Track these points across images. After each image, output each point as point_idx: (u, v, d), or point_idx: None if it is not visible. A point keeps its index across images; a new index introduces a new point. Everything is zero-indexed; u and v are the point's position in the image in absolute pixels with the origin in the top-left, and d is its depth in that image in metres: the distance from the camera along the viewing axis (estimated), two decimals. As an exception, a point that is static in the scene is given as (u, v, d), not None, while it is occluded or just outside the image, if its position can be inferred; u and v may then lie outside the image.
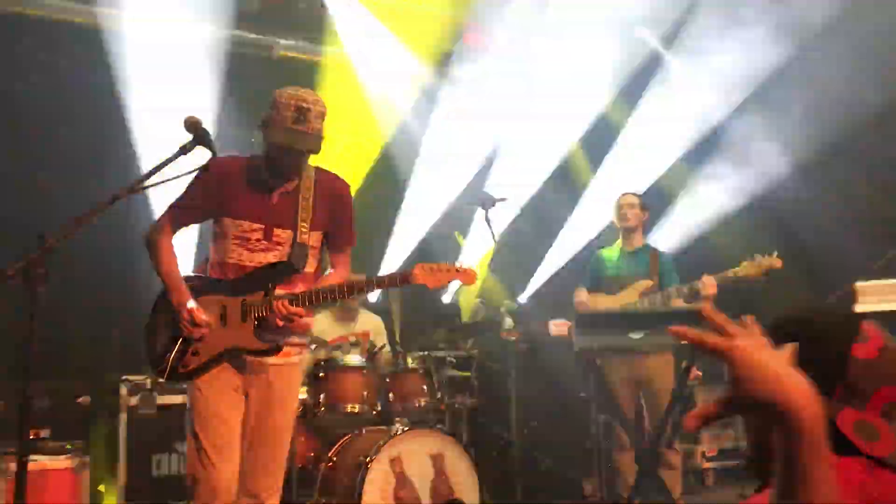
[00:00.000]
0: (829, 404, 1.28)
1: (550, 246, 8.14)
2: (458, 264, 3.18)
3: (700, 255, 6.75)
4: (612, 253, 5.56)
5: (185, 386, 3.37)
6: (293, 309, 3.06)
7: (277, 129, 3.03)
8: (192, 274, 3.30)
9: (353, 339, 5.36)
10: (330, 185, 3.31)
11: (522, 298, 8.02)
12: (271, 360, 3.18)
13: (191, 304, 3.09)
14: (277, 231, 3.18)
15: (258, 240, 3.16)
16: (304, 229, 3.16)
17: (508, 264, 7.45)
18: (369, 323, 5.80)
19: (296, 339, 3.29)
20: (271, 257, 3.17)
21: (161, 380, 3.37)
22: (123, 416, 4.96)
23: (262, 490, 3.17)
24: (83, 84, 5.83)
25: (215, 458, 3.04)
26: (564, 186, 8.08)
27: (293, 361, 3.32)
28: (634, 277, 5.32)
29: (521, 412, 5.64)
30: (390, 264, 7.46)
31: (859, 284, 4.13)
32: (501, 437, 5.56)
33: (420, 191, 7.73)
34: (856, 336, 1.33)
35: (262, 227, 3.16)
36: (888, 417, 1.31)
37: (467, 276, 3.17)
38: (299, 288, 3.16)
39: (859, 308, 3.98)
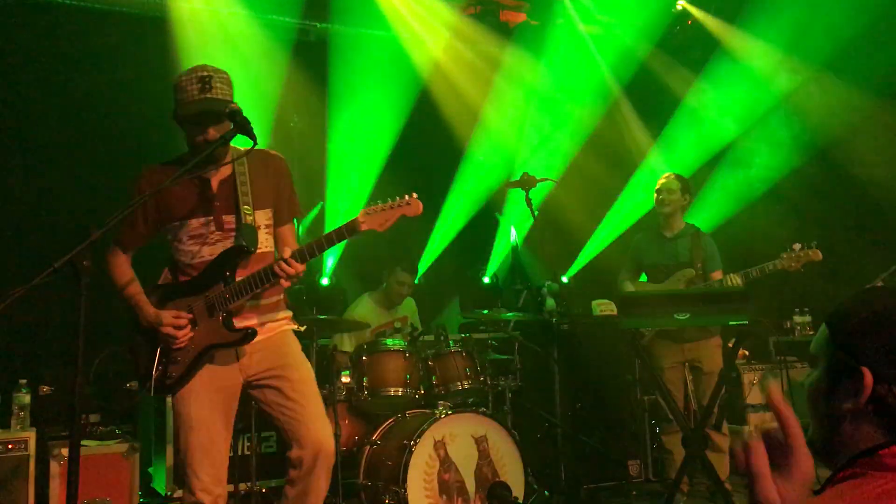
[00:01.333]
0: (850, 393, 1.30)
1: (597, 225, 8.10)
2: (403, 198, 3.10)
3: (737, 238, 6.70)
4: (652, 238, 5.47)
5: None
6: (298, 266, 3.02)
7: (187, 105, 2.99)
8: (156, 284, 3.26)
9: (397, 324, 5.39)
10: (263, 161, 3.26)
11: (566, 278, 8.00)
12: (259, 337, 3.16)
13: (164, 315, 3.09)
14: (227, 218, 3.13)
15: (213, 232, 3.12)
16: (247, 211, 3.11)
17: (552, 244, 7.41)
18: (408, 307, 5.85)
19: (279, 315, 3.26)
20: (230, 245, 3.13)
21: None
22: (170, 400, 5.02)
23: (319, 438, 3.16)
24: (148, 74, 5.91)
25: (199, 465, 3.03)
26: (616, 164, 8.01)
27: (284, 328, 3.29)
28: (677, 265, 5.26)
29: (565, 394, 5.61)
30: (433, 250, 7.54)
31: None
32: (545, 419, 5.53)
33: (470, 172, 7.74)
34: None
35: (211, 218, 3.12)
36: None
37: (412, 208, 3.09)
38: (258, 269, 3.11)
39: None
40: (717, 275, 5.16)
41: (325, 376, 4.89)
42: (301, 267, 3.02)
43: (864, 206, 6.61)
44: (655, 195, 5.40)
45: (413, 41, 7.38)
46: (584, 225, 8.15)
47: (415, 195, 3.10)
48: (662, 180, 5.41)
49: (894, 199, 6.21)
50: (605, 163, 7.91)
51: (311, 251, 3.04)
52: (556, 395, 5.64)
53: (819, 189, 6.82)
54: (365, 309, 5.73)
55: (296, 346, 3.33)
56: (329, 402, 4.70)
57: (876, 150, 6.41)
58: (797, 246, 4.92)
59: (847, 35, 6.34)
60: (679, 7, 7.94)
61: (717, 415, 4.90)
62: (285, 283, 3.06)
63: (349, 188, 7.14)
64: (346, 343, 5.52)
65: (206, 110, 2.98)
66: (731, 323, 4.33)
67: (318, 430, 3.17)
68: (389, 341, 4.97)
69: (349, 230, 3.06)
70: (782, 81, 7.32)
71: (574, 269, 8.18)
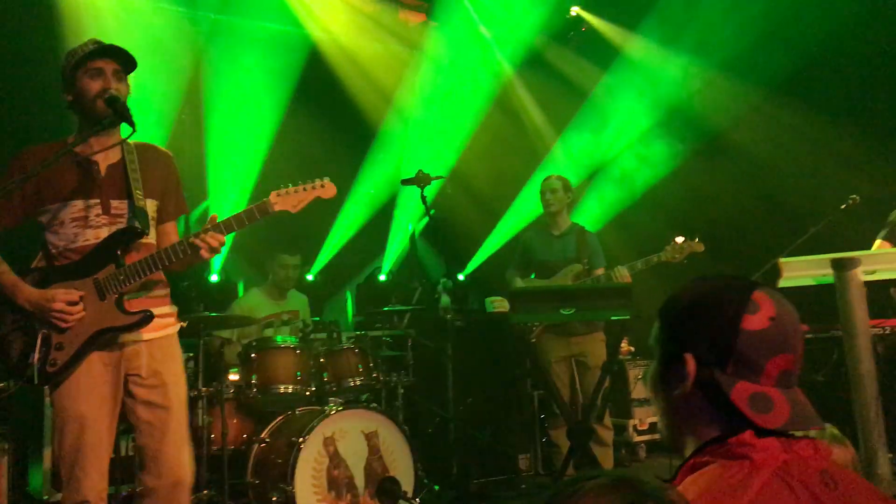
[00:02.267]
0: (724, 379, 1.31)
1: (497, 221, 8.23)
2: (316, 181, 3.12)
3: (623, 233, 6.93)
4: (540, 236, 5.64)
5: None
6: (219, 236, 2.95)
7: (82, 55, 2.93)
8: (30, 268, 3.04)
9: (285, 316, 5.33)
10: (153, 154, 3.19)
11: (462, 276, 8.10)
12: (146, 335, 3.02)
13: (55, 292, 2.89)
14: (115, 203, 3.02)
15: (98, 215, 2.99)
16: (139, 196, 3.03)
17: (451, 240, 7.49)
18: (298, 301, 5.78)
19: (166, 310, 3.15)
20: (115, 230, 3.01)
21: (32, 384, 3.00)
22: (48, 400, 4.83)
23: (176, 468, 3.00)
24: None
25: (81, 463, 2.87)
26: (518, 162, 8.13)
27: (169, 333, 3.16)
28: (565, 262, 5.42)
29: (458, 389, 5.67)
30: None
31: (783, 260, 4.23)
32: (437, 414, 5.59)
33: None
34: (745, 308, 1.32)
35: (98, 201, 3.00)
36: (783, 385, 1.31)
37: (326, 191, 3.12)
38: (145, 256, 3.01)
39: (782, 283, 4.10)
40: (600, 271, 5.36)
41: (213, 374, 4.80)
42: (222, 238, 2.96)
43: (752, 199, 6.89)
44: (541, 196, 5.56)
45: (310, 37, 7.32)
46: (484, 221, 8.27)
47: (327, 179, 3.11)
48: (546, 181, 5.58)
49: (781, 190, 6.52)
50: (506, 161, 8.03)
51: (228, 226, 2.99)
52: (449, 391, 5.70)
53: (707, 183, 7.09)
54: (252, 301, 5.64)
55: (179, 358, 3.19)
56: (217, 400, 4.62)
57: (763, 141, 6.70)
58: (680, 239, 5.16)
59: (735, 34, 6.63)
60: (573, 13, 8.16)
61: (600, 407, 5.06)
62: (206, 255, 2.97)
63: (232, 187, 6.99)
64: (236, 337, 5.43)
65: (106, 48, 2.93)
66: (613, 318, 4.48)
67: (179, 460, 3.01)
68: (280, 338, 4.92)
69: (261, 211, 3.02)
70: (675, 81, 7.58)
71: (473, 265, 8.29)
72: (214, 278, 6.79)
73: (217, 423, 4.60)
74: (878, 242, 5.20)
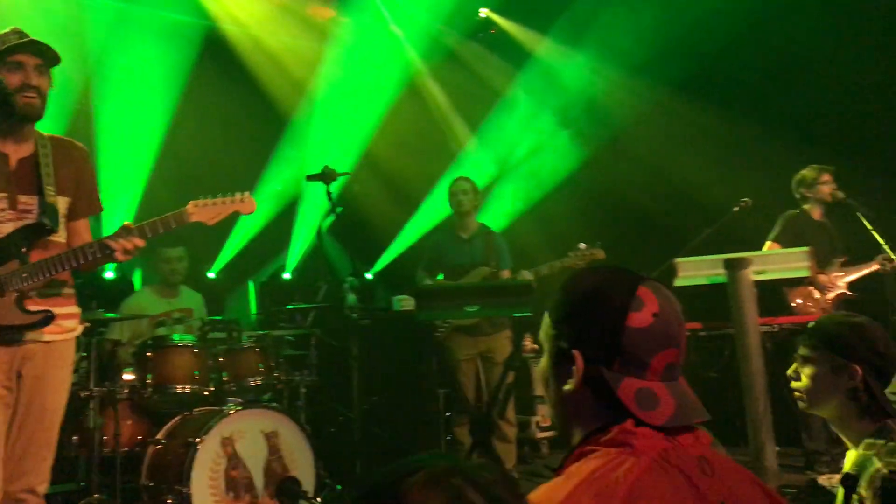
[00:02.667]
0: (610, 376, 1.33)
1: (405, 222, 8.21)
2: (235, 195, 3.10)
3: (530, 230, 7.04)
4: (449, 239, 5.65)
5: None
6: (135, 240, 2.89)
7: (5, 49, 2.84)
8: None
9: (177, 314, 5.18)
10: (68, 149, 3.11)
11: (370, 274, 8.06)
12: (48, 335, 2.93)
13: None
14: (23, 198, 2.93)
15: (2, 210, 2.89)
16: (50, 192, 2.94)
17: (361, 238, 7.44)
18: (191, 299, 5.61)
19: (70, 311, 3.06)
20: (22, 226, 2.91)
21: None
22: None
23: (32, 475, 2.89)
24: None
25: None
26: (431, 159, 8.13)
27: (69, 337, 3.07)
28: (472, 264, 5.45)
29: (363, 388, 5.64)
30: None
31: (678, 260, 4.36)
32: (341, 413, 5.53)
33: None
34: (630, 306, 1.34)
35: (5, 195, 2.90)
36: (668, 378, 1.34)
37: (246, 206, 3.11)
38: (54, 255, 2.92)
39: (678, 282, 4.23)
40: (506, 273, 5.43)
41: (106, 373, 4.62)
42: (140, 242, 2.91)
43: (653, 197, 7.07)
44: (450, 198, 5.57)
45: (216, 29, 7.16)
46: (394, 219, 8.25)
47: (248, 193, 3.10)
48: (455, 183, 5.60)
49: (681, 189, 6.71)
50: (418, 159, 8.03)
51: (142, 231, 2.93)
52: (354, 390, 5.65)
53: (611, 181, 7.24)
54: (142, 300, 5.45)
55: (70, 364, 3.09)
56: (109, 401, 4.45)
57: (664, 141, 6.87)
58: (583, 246, 5.28)
59: (638, 36, 6.82)
60: (482, 15, 8.23)
61: (501, 403, 5.11)
62: (120, 258, 2.92)
63: (123, 184, 6.74)
64: (127, 336, 5.24)
65: (29, 44, 2.85)
66: (515, 315, 4.54)
67: (38, 469, 2.91)
68: (177, 336, 4.78)
69: (177, 219, 2.98)
70: (582, 81, 7.73)
71: (382, 263, 8.26)
72: (109, 275, 6.55)
73: (110, 425, 4.44)
74: (768, 244, 5.43)
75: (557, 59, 7.76)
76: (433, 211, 8.05)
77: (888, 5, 6.00)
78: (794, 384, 2.32)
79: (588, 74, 7.51)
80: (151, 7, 6.73)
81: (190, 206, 3.01)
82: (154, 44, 6.71)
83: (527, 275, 5.25)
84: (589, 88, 7.59)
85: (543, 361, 1.47)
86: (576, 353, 1.36)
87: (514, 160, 8.23)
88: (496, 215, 7.60)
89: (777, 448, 3.87)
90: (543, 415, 6.37)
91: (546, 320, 1.45)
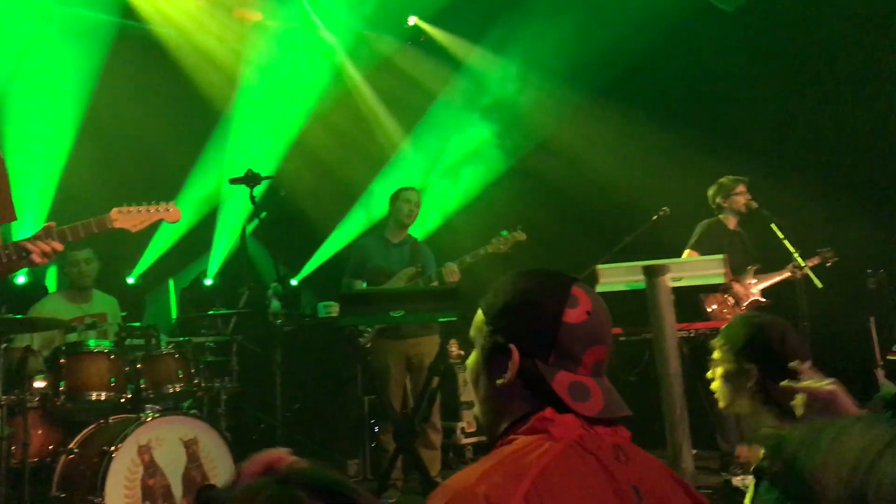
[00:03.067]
0: (545, 369, 1.37)
1: (334, 227, 8.15)
2: (161, 204, 3.06)
3: (447, 242, 7.09)
4: (378, 244, 5.63)
5: None
6: (55, 243, 2.81)
7: None
8: None
9: (89, 319, 5.01)
10: None
11: (296, 280, 7.97)
12: None
13: None
14: None
15: None
16: None
17: (289, 243, 7.36)
18: (105, 303, 5.44)
19: None
20: None
21: None
22: None
23: None
24: None
25: None
26: (363, 162, 8.08)
27: None
28: (400, 269, 5.46)
29: (286, 395, 5.58)
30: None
31: (600, 267, 4.45)
32: (262, 420, 5.45)
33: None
34: (566, 303, 1.38)
35: None
36: (596, 374, 1.39)
37: (171, 215, 3.07)
38: None
39: (600, 288, 4.31)
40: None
41: (15, 381, 4.44)
42: (59, 246, 2.83)
43: (579, 198, 7.18)
44: (400, 206, 5.54)
45: (139, 28, 7.00)
46: (322, 225, 8.18)
47: (172, 202, 3.10)
48: (406, 193, 5.59)
49: (604, 195, 6.84)
50: (348, 164, 7.98)
51: (62, 235, 2.85)
52: (277, 397, 5.59)
53: (535, 188, 7.33)
54: (51, 305, 5.25)
55: None
56: (19, 409, 4.28)
57: (588, 148, 6.99)
58: (504, 231, 5.36)
59: (561, 44, 6.94)
60: (411, 23, 8.26)
61: (425, 408, 5.11)
62: (38, 260, 2.83)
63: (32, 187, 6.50)
64: (38, 344, 5.04)
65: None
66: (441, 319, 4.54)
67: None
68: (92, 342, 4.62)
69: (99, 225, 2.95)
70: (508, 87, 7.81)
71: (309, 269, 8.17)
72: (21, 280, 6.31)
73: (19, 434, 4.26)
74: (686, 252, 5.59)
75: (485, 66, 7.83)
76: (363, 216, 8.02)
77: (801, 19, 6.24)
78: (712, 385, 2.40)
79: (515, 80, 7.59)
80: (65, 4, 6.53)
81: (113, 213, 2.94)
82: (67, 41, 6.50)
83: (451, 266, 5.27)
84: (516, 94, 7.67)
85: (474, 356, 1.50)
86: (512, 346, 1.39)
87: (444, 163, 8.25)
88: (427, 217, 7.62)
89: (694, 450, 3.97)
90: (469, 421, 6.40)
91: (479, 316, 1.49)
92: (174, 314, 6.98)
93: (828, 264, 5.58)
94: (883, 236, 5.97)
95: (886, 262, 5.71)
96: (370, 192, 8.05)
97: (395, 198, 5.63)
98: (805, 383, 1.94)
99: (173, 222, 3.08)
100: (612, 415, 1.35)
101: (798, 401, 1.94)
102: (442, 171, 8.25)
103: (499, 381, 1.40)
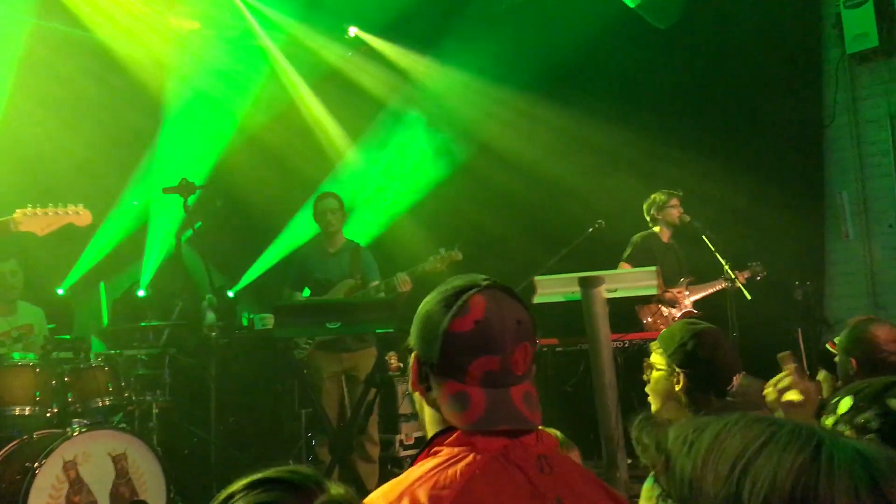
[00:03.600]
0: (434, 378, 1.38)
1: (272, 239, 8.04)
2: (69, 206, 2.99)
3: (391, 248, 7.07)
4: (315, 254, 5.57)
5: None
6: None
7: None
8: None
9: (15, 332, 4.84)
10: None
11: (232, 292, 7.84)
12: None
13: None
14: None
15: None
16: None
17: (221, 256, 7.23)
18: (31, 315, 5.26)
19: None
20: None
21: None
22: None
23: None
24: None
25: None
26: (307, 170, 7.99)
27: None
28: (339, 279, 5.40)
29: (221, 409, 5.47)
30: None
31: (537, 278, 4.49)
32: (195, 435, 5.34)
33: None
34: (453, 312, 1.37)
35: None
36: (488, 385, 1.36)
37: (81, 218, 3.01)
38: None
39: (537, 299, 4.35)
40: (375, 284, 5.38)
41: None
42: None
43: (518, 213, 7.21)
44: (318, 216, 5.48)
45: (67, 34, 6.83)
46: (260, 236, 8.06)
47: (81, 206, 2.99)
48: (322, 202, 5.49)
49: (545, 206, 6.90)
50: (288, 175, 7.89)
51: None
52: (212, 411, 5.48)
53: (476, 197, 7.34)
54: None
55: None
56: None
57: (530, 157, 7.03)
58: (442, 250, 5.34)
59: (498, 47, 7.01)
60: (352, 34, 8.24)
61: (362, 421, 5.08)
62: None
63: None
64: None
65: None
66: (378, 331, 4.53)
67: None
68: (17, 355, 4.47)
69: (2, 228, 2.78)
70: (450, 94, 7.83)
71: (246, 280, 8.05)
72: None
73: (-63, 452, 4.10)
74: (621, 264, 5.69)
75: (425, 73, 7.85)
76: (303, 226, 7.92)
77: (729, 35, 6.41)
78: (646, 388, 2.44)
79: (457, 87, 7.61)
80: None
81: (17, 215, 2.86)
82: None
83: (403, 276, 5.21)
84: (457, 100, 7.68)
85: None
86: (413, 355, 1.42)
87: (389, 169, 8.21)
88: (372, 222, 7.59)
89: (629, 460, 4.02)
90: (407, 433, 6.37)
91: None
92: (105, 321, 6.77)
93: (758, 278, 5.73)
94: (808, 250, 6.18)
95: (813, 274, 5.91)
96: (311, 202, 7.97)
97: (315, 210, 5.53)
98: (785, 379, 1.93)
99: (83, 225, 2.99)
100: (492, 426, 1.32)
101: (771, 395, 1.95)
102: (387, 177, 8.20)
103: (415, 388, 1.42)
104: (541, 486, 1.28)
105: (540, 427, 1.40)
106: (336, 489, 0.94)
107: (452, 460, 1.28)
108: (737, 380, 2.27)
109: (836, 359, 3.01)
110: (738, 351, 5.03)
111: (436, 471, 1.26)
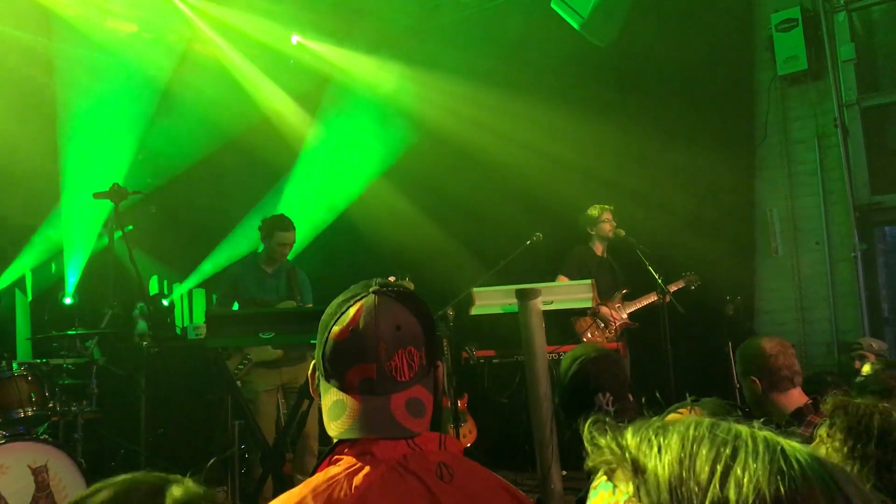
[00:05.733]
0: (322, 385, 1.38)
1: (216, 247, 7.89)
2: None
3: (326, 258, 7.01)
4: (251, 272, 5.44)
5: None
6: None
7: None
8: None
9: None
10: None
11: (167, 301, 7.67)
12: None
13: None
14: None
15: None
16: None
17: (158, 264, 7.09)
18: None
19: None
20: None
21: None
22: None
23: None
24: None
25: None
26: (256, 174, 7.86)
27: None
28: (277, 299, 5.31)
29: (151, 420, 5.33)
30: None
31: (475, 290, 4.50)
32: (122, 446, 5.20)
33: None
34: (335, 319, 1.36)
35: None
36: (366, 392, 1.33)
37: None
38: None
39: (475, 310, 4.36)
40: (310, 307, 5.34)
41: None
42: None
43: (462, 223, 7.22)
44: (273, 246, 5.31)
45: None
46: (202, 243, 7.90)
47: None
48: (283, 235, 5.31)
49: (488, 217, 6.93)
50: (241, 174, 7.75)
51: None
52: (141, 422, 5.34)
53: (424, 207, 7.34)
54: None
55: None
56: None
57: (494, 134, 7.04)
58: (391, 278, 5.29)
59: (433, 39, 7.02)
60: (294, 42, 8.17)
61: (295, 432, 5.02)
62: None
63: None
64: None
65: None
66: (312, 341, 4.46)
67: None
68: (-67, 363, 4.31)
69: None
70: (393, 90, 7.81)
71: (184, 288, 7.89)
72: None
73: None
74: (559, 277, 5.74)
75: (367, 72, 7.84)
76: (242, 239, 7.79)
77: (664, 53, 6.54)
78: None
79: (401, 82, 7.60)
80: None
81: None
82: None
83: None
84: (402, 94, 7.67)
85: None
86: (312, 362, 1.42)
87: (336, 167, 8.14)
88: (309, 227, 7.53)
89: (563, 471, 4.04)
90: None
91: None
92: (22, 332, 6.54)
93: (692, 287, 5.84)
94: (739, 265, 6.32)
95: (743, 289, 6.04)
96: (261, 207, 7.85)
97: (269, 235, 5.34)
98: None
99: None
100: (362, 435, 1.30)
101: None
102: (332, 174, 8.12)
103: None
104: (440, 495, 1.27)
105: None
106: (178, 490, 0.93)
107: (351, 470, 1.26)
108: (603, 398, 2.29)
109: (742, 387, 3.07)
110: (671, 364, 5.14)
111: (332, 482, 1.25)
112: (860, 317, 5.98)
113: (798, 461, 0.69)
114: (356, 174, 7.94)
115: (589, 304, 4.51)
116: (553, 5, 6.22)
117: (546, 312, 4.18)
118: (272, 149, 7.95)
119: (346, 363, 1.34)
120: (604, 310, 5.69)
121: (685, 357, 5.49)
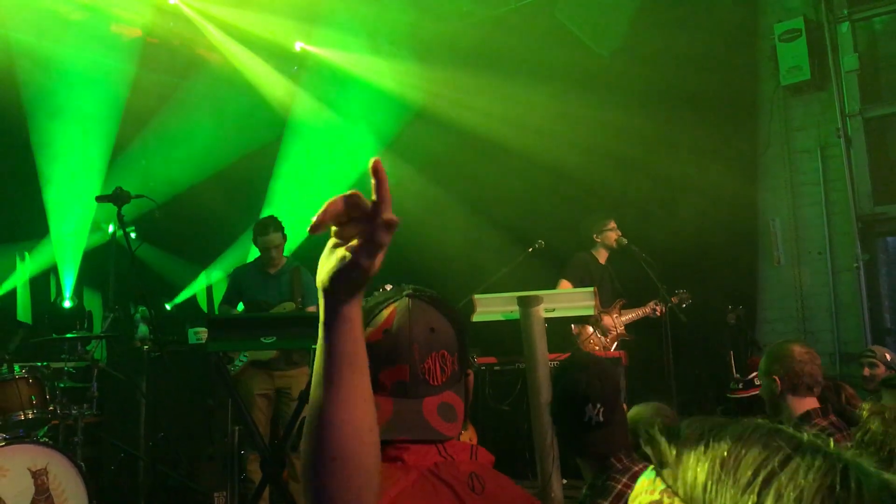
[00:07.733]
0: None
1: (217, 252, 7.90)
2: None
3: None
4: (254, 274, 5.45)
5: None
6: None
7: None
8: None
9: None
10: None
11: (170, 305, 7.68)
12: None
13: None
14: None
15: None
16: None
17: (160, 269, 7.08)
18: None
19: None
20: None
21: None
22: None
23: None
24: None
25: None
26: (242, 195, 7.87)
27: None
28: (279, 301, 5.31)
29: (151, 424, 5.33)
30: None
31: (477, 296, 4.49)
32: (122, 450, 5.19)
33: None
34: (369, 321, 1.36)
35: None
36: (399, 395, 1.33)
37: None
38: None
39: (476, 317, 4.35)
40: (313, 309, 5.31)
41: None
42: None
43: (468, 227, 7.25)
44: (263, 251, 5.33)
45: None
46: (205, 249, 7.91)
47: None
48: (265, 238, 5.32)
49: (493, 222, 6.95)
50: (234, 191, 7.76)
51: None
52: (141, 426, 5.34)
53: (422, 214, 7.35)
54: None
55: None
56: None
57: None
58: (388, 286, 5.28)
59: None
60: (298, 49, 8.19)
61: (294, 437, 5.00)
62: None
63: None
64: None
65: None
66: (313, 346, 4.45)
67: None
68: (-66, 365, 4.31)
69: None
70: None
71: (186, 294, 7.88)
72: None
73: None
74: (561, 281, 5.72)
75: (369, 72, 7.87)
76: (245, 246, 7.79)
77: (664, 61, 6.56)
78: None
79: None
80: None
81: None
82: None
83: None
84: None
85: None
86: None
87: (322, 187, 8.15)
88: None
89: (564, 479, 4.03)
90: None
91: None
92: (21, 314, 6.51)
93: (683, 305, 5.77)
94: (741, 274, 6.32)
95: (745, 299, 6.03)
96: (264, 208, 7.86)
97: (255, 240, 5.40)
98: None
99: None
100: (392, 437, 1.29)
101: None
102: (332, 174, 8.13)
103: None
104: None
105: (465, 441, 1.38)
106: None
107: (381, 478, 1.23)
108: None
109: (760, 385, 3.09)
110: (673, 373, 5.13)
111: None
112: (862, 327, 5.97)
113: (860, 485, 0.66)
114: (357, 173, 7.96)
115: (591, 313, 4.50)
116: (558, 15, 6.24)
117: (548, 320, 4.18)
118: (275, 148, 8.02)
119: (380, 365, 1.32)
120: (605, 319, 5.67)
121: (686, 366, 5.48)
